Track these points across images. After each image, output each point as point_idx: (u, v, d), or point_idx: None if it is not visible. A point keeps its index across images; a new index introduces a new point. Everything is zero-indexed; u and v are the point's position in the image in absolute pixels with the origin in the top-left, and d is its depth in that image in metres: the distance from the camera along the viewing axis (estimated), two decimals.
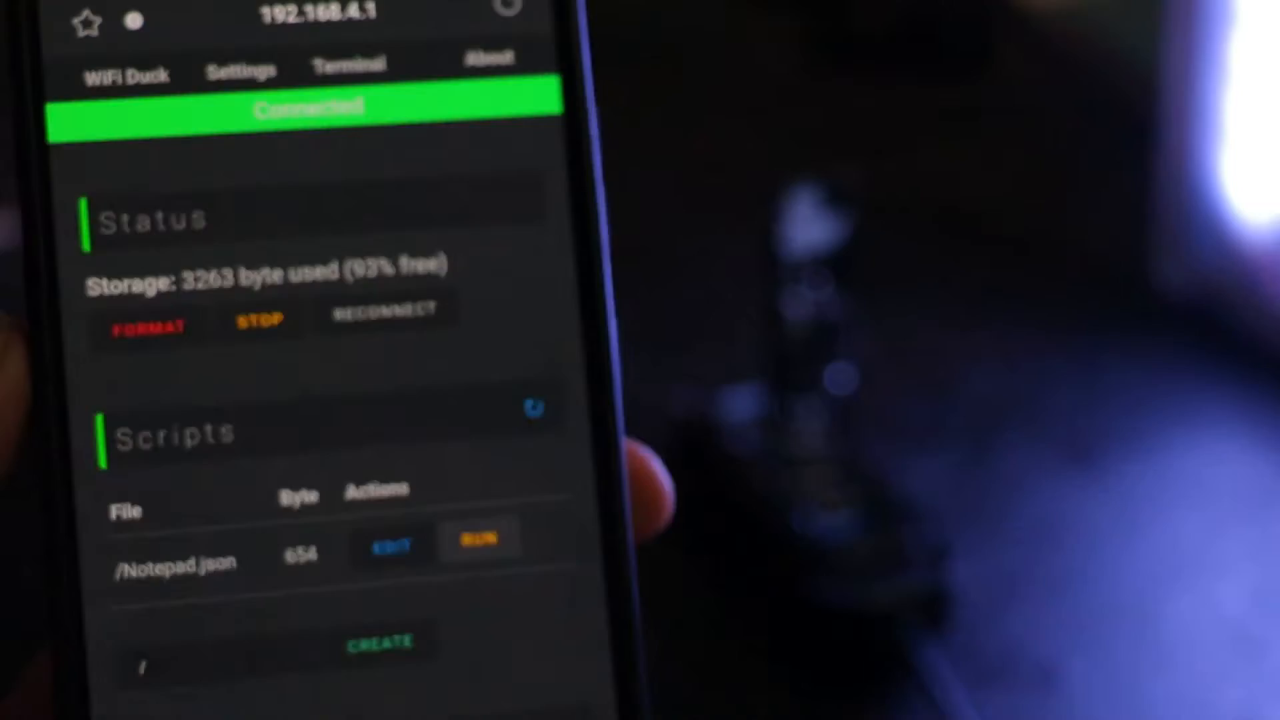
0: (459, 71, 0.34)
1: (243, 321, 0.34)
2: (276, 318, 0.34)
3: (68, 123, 0.34)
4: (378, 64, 0.34)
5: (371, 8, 0.34)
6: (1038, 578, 0.74)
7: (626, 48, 1.05)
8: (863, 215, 0.68)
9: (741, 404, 0.75)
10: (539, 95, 0.35)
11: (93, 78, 0.34)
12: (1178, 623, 0.72)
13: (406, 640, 0.33)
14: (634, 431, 0.35)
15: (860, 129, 1.01)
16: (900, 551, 0.69)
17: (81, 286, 0.33)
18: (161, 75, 0.34)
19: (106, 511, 0.33)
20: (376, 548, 0.34)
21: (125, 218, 0.34)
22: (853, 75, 1.05)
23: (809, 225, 0.68)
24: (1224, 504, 0.78)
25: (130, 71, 0.34)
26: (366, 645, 0.33)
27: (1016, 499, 0.78)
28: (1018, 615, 0.72)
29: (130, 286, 0.33)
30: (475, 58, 0.35)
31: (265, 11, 0.34)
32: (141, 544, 0.33)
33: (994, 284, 0.90)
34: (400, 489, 0.34)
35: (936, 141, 1.00)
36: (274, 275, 0.34)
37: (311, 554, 0.33)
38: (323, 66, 0.34)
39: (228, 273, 0.34)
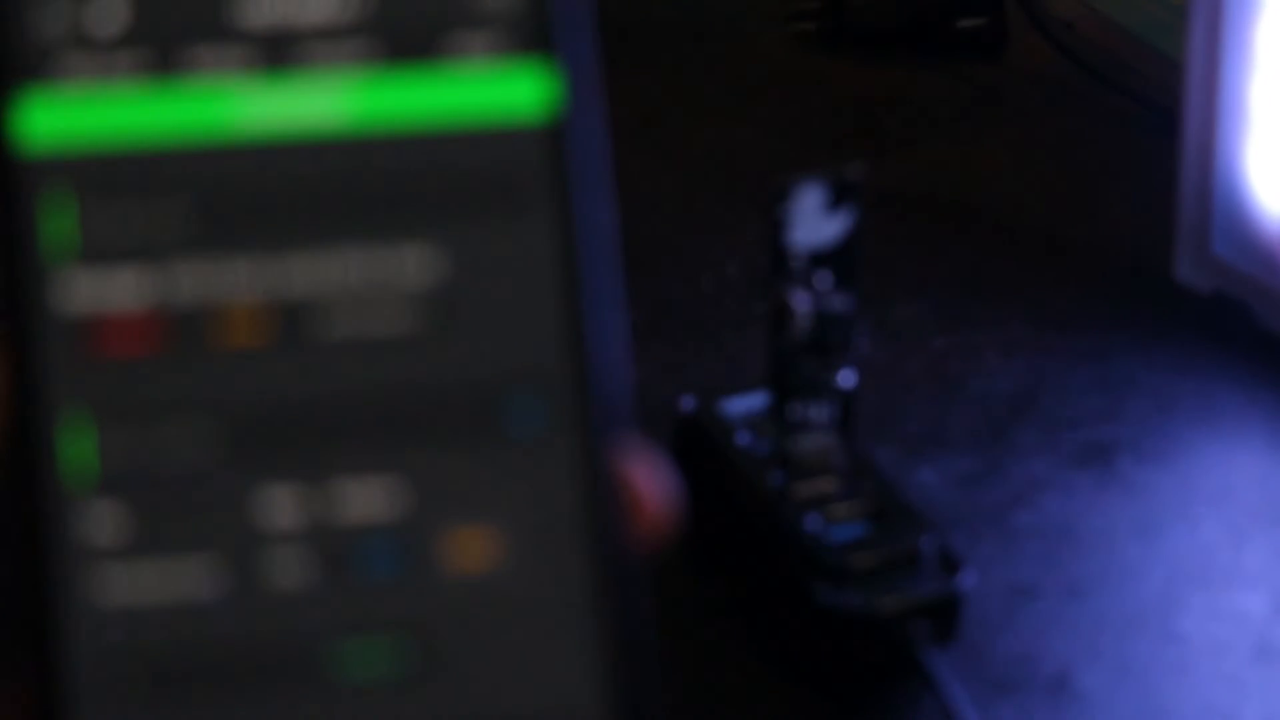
0: (444, 59, 0.34)
1: (226, 333, 0.33)
2: (262, 329, 0.33)
3: (40, 124, 0.33)
4: (360, 53, 0.34)
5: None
6: (1051, 585, 0.74)
7: (620, 37, 1.05)
8: (869, 210, 0.68)
9: (743, 405, 0.74)
10: (531, 84, 0.34)
11: (64, 72, 0.33)
12: (1197, 632, 0.71)
13: (395, 656, 0.33)
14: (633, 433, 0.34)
15: (867, 119, 1.01)
16: (908, 557, 0.68)
17: (60, 299, 0.33)
18: (140, 70, 0.33)
19: (86, 527, 0.33)
20: (365, 562, 0.33)
21: (104, 225, 0.33)
22: (859, 63, 1.05)
23: (813, 221, 0.67)
24: (1246, 508, 0.77)
25: (106, 66, 0.33)
26: (352, 661, 0.33)
27: (1029, 503, 0.78)
28: (1030, 623, 0.72)
29: (110, 299, 0.33)
30: (462, 43, 0.34)
31: (238, 4, 0.34)
32: (122, 561, 0.33)
33: (1006, 279, 0.90)
34: (389, 502, 0.33)
35: (946, 132, 1.00)
36: (258, 284, 0.33)
37: (298, 569, 0.33)
38: (300, 59, 0.34)
39: (210, 283, 0.33)
